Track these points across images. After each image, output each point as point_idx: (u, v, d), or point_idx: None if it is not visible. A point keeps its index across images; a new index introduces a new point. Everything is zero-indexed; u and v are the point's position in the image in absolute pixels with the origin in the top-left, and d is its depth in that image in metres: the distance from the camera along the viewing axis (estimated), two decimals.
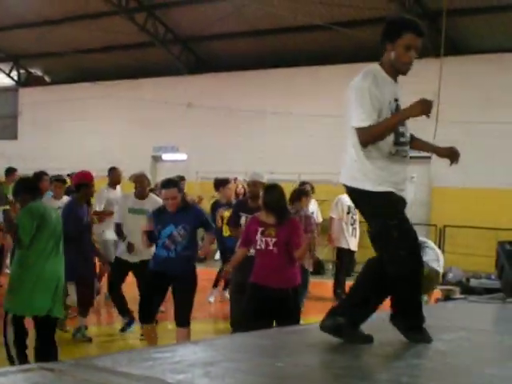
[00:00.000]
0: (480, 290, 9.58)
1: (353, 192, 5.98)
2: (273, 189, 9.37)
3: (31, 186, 8.77)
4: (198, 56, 28.66)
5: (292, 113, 24.74)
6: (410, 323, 5.89)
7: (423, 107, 5.72)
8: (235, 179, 18.85)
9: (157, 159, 29.69)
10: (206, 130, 27.01)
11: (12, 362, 8.26)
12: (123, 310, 12.14)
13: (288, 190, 11.51)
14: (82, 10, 27.25)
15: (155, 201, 11.97)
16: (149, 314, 9.68)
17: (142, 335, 11.32)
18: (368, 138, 5.74)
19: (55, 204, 12.13)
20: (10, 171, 17.80)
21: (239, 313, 9.80)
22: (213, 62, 28.15)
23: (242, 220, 10.43)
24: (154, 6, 27.09)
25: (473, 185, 20.16)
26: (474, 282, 10.61)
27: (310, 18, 23.24)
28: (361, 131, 5.74)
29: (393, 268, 5.75)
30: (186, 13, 26.75)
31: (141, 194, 12.19)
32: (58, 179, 13.75)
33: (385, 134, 5.77)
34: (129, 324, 12.06)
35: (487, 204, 19.93)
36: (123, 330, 12.11)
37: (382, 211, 5.84)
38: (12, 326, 8.39)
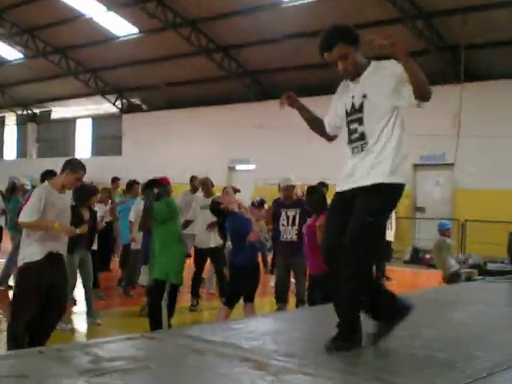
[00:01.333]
0: (495, 272, 9.46)
1: None
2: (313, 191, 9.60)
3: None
4: (264, 86, 28.69)
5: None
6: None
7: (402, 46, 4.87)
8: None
9: (232, 169, 29.82)
10: (271, 146, 27.03)
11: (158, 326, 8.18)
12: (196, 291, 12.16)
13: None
14: (171, 51, 27.56)
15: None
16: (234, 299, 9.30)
17: (192, 306, 11.80)
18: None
19: None
20: (115, 180, 18.06)
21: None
22: (276, 91, 28.12)
23: (283, 215, 10.50)
24: (228, 47, 27.27)
25: (488, 187, 19.91)
26: (490, 266, 10.48)
27: None
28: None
29: None
30: (254, 51, 26.84)
31: (207, 194, 12.55)
32: None
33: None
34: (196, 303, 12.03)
35: (500, 202, 19.65)
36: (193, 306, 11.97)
37: None
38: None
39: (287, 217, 10.40)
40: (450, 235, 12.59)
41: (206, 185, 12.87)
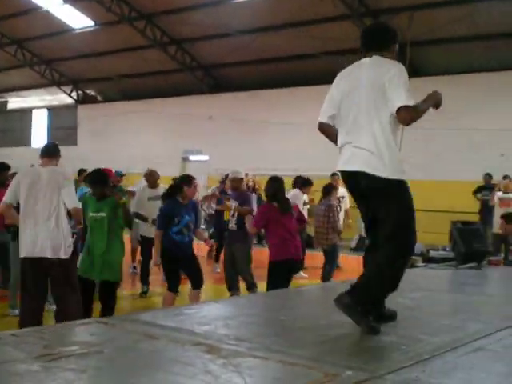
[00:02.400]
0: (438, 259, 9.57)
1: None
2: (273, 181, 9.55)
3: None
4: (217, 79, 28.68)
5: (290, 122, 24.74)
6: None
7: (440, 98, 4.97)
8: (246, 174, 18.81)
9: (185, 160, 29.73)
10: (224, 137, 27.04)
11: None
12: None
13: (287, 182, 11.55)
14: (126, 44, 27.34)
15: (165, 188, 12.04)
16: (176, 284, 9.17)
17: (142, 292, 11.57)
18: (415, 115, 4.67)
19: None
20: (81, 172, 17.24)
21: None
22: (228, 84, 28.16)
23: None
24: (182, 41, 27.16)
25: (430, 178, 20.15)
26: (432, 253, 10.58)
27: (304, 48, 23.27)
28: (407, 109, 4.62)
29: None
30: (207, 45, 26.76)
31: (152, 185, 12.31)
32: None
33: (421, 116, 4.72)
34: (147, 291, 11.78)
35: (441, 193, 19.92)
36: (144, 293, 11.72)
37: None
38: None
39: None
40: None
41: (151, 176, 12.54)
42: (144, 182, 12.78)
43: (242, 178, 10.96)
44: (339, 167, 4.95)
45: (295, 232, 9.22)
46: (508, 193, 15.43)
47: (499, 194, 15.57)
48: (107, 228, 7.74)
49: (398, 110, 4.63)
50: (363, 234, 18.36)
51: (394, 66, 4.86)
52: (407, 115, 4.64)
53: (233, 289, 10.33)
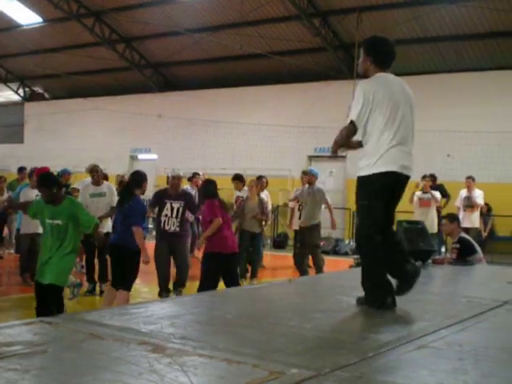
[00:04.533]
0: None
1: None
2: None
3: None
4: (166, 78, 28.57)
5: (239, 122, 24.78)
6: None
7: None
8: (198, 174, 18.74)
9: (134, 158, 29.54)
10: (173, 136, 26.95)
11: None
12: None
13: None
14: (74, 41, 27.10)
15: (109, 185, 11.95)
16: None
17: (87, 291, 11.39)
18: None
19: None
20: (21, 170, 17.02)
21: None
22: (177, 83, 28.08)
23: (167, 206, 10.49)
24: (131, 39, 27.01)
25: None
26: None
27: (253, 48, 23.31)
28: None
29: None
30: (156, 44, 26.69)
31: (97, 182, 11.86)
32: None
33: None
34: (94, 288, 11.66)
35: None
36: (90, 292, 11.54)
37: None
38: None
39: (172, 208, 10.45)
40: None
41: (94, 172, 11.97)
42: (89, 179, 12.44)
43: (181, 177, 11.01)
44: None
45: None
46: (427, 192, 15.81)
47: (418, 193, 15.93)
48: (63, 235, 7.53)
49: None
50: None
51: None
52: None
53: (165, 291, 10.42)
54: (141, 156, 29.31)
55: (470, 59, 21.38)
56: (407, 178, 5.65)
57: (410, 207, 16.77)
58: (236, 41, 23.35)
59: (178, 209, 10.41)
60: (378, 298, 5.51)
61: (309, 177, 13.49)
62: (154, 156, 28.30)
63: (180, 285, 10.49)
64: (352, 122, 5.52)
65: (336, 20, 22.11)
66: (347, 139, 5.63)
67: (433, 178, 17.31)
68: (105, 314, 5.07)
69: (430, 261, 9.26)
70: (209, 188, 9.80)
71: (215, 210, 9.50)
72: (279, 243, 20.99)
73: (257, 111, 24.84)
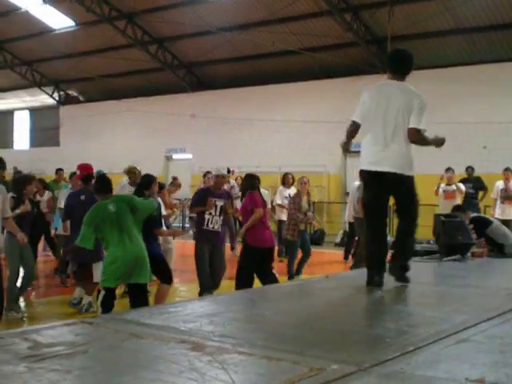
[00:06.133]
0: (422, 253, 9.59)
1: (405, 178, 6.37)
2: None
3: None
4: (199, 77, 28.64)
5: (272, 119, 24.78)
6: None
7: (442, 143, 6.50)
8: (233, 171, 18.82)
9: (168, 158, 29.69)
10: (206, 135, 27.05)
11: None
12: None
13: (271, 179, 11.63)
14: (107, 43, 27.30)
15: None
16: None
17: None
18: (420, 138, 6.28)
19: None
20: (58, 171, 17.04)
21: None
22: (210, 82, 28.14)
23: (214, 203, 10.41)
24: (163, 39, 27.13)
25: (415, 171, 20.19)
26: (417, 247, 10.61)
27: (284, 45, 23.27)
28: (419, 132, 6.20)
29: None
30: (188, 44, 26.77)
31: (134, 183, 11.63)
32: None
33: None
34: None
35: (424, 186, 19.92)
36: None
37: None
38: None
39: (215, 206, 10.33)
40: None
41: (133, 174, 12.08)
42: (126, 180, 12.48)
43: (225, 176, 10.93)
44: None
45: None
46: (451, 185, 15.74)
47: (443, 186, 15.84)
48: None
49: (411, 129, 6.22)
50: (347, 228, 18.45)
51: (418, 93, 6.38)
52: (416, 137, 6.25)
53: (209, 289, 10.23)
54: (175, 156, 29.45)
55: (503, 49, 21.11)
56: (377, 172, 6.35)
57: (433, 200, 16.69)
58: (267, 38, 23.33)
59: (221, 207, 10.33)
60: (367, 275, 6.36)
61: None
62: (188, 156, 28.41)
63: (215, 286, 10.37)
64: (353, 122, 6.46)
65: (368, 14, 22.00)
66: (349, 136, 6.55)
67: (470, 169, 17.18)
68: (144, 314, 5.11)
69: (469, 254, 9.19)
70: (251, 181, 10.11)
71: (257, 201, 9.73)
72: (316, 240, 20.94)
73: (290, 108, 24.80)
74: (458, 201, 15.82)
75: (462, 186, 15.83)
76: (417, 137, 6.25)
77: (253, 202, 9.75)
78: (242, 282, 9.29)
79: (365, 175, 6.57)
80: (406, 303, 5.77)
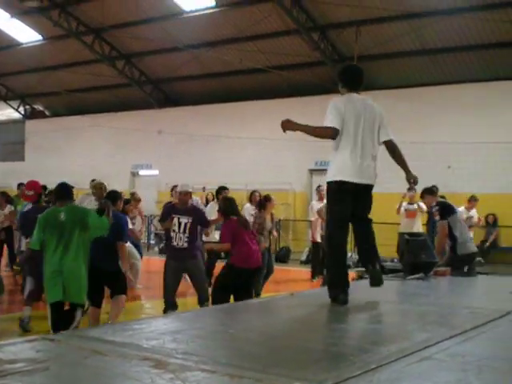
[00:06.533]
0: (386, 271, 9.65)
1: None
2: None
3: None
4: (166, 93, 28.65)
5: (239, 137, 24.82)
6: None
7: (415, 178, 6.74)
8: (204, 188, 18.81)
9: (135, 174, 29.58)
10: (173, 151, 27.03)
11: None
12: None
13: (238, 196, 11.62)
14: (74, 58, 27.23)
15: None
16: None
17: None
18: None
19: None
20: (20, 186, 16.95)
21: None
22: (178, 98, 28.15)
23: (175, 220, 10.31)
24: (131, 55, 27.11)
25: (377, 190, 20.30)
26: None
27: (253, 62, 23.38)
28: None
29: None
30: (155, 60, 26.79)
31: (99, 198, 11.81)
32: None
33: None
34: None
35: (388, 205, 20.04)
36: None
37: None
38: None
39: (179, 223, 10.28)
40: None
41: (99, 189, 12.02)
42: (91, 196, 12.44)
43: (191, 193, 10.87)
44: None
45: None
46: (413, 203, 15.91)
47: (405, 204, 16.02)
48: None
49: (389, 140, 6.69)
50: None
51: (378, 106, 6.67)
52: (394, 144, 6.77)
53: (172, 306, 10.15)
54: (142, 172, 29.36)
55: (469, 70, 21.41)
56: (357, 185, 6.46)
57: (397, 218, 16.81)
58: (235, 56, 23.44)
59: (185, 224, 10.22)
60: (332, 293, 6.34)
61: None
62: (155, 172, 28.34)
63: (204, 301, 10.20)
64: (334, 128, 6.41)
65: (335, 34, 22.20)
66: (315, 135, 6.80)
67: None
68: (107, 330, 5.07)
69: (431, 272, 9.25)
70: (228, 207, 9.96)
71: (228, 234, 9.57)
72: (282, 257, 20.98)
73: (257, 125, 24.88)
74: (420, 219, 15.99)
75: (423, 205, 15.99)
76: (394, 145, 6.66)
77: (224, 234, 9.70)
78: (218, 300, 9.18)
79: (340, 187, 6.45)
80: (369, 321, 5.79)
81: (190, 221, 10.27)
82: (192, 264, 10.30)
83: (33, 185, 10.73)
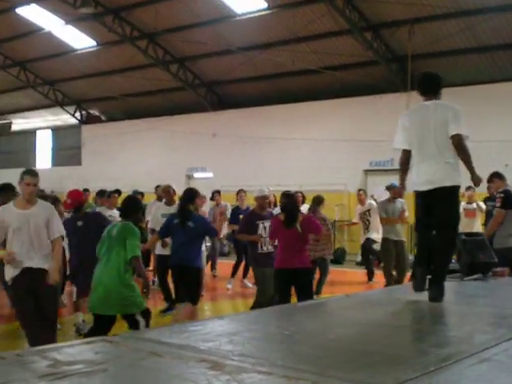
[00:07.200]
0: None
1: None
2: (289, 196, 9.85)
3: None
4: (220, 96, 28.74)
5: (293, 138, 24.79)
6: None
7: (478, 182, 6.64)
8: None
9: (190, 177, 29.74)
10: (227, 154, 27.11)
11: None
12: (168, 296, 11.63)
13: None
14: (128, 63, 27.50)
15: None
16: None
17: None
18: (462, 142, 6.50)
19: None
20: (101, 193, 16.31)
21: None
22: (231, 101, 28.22)
23: (260, 227, 10.22)
24: (184, 59, 27.28)
25: None
26: None
27: (305, 63, 23.34)
28: (460, 136, 6.48)
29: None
30: (209, 63, 26.91)
31: (169, 202, 12.09)
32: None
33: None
34: (170, 308, 11.47)
35: None
36: (164, 311, 11.55)
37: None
38: None
39: (264, 228, 10.21)
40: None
41: (167, 193, 12.28)
42: (155, 202, 12.72)
43: (268, 197, 10.85)
44: None
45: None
46: (472, 203, 15.60)
47: (464, 204, 15.74)
48: None
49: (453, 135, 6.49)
50: None
51: (451, 104, 6.73)
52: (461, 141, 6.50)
53: None
54: (196, 175, 29.50)
55: None
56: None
57: None
58: (288, 57, 23.42)
59: (269, 228, 10.07)
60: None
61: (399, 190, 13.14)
62: (209, 174, 28.45)
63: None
64: (402, 150, 6.90)
65: (388, 33, 22.02)
66: (403, 168, 7.00)
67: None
68: (164, 332, 5.11)
69: (490, 273, 9.10)
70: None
71: (274, 231, 9.54)
72: (337, 258, 20.86)
73: (311, 127, 24.82)
74: (479, 219, 15.70)
75: (482, 205, 15.72)
76: (457, 141, 6.50)
77: (272, 231, 9.70)
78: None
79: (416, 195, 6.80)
80: (426, 323, 5.72)
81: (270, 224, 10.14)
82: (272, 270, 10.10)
83: (76, 195, 10.78)
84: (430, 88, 6.85)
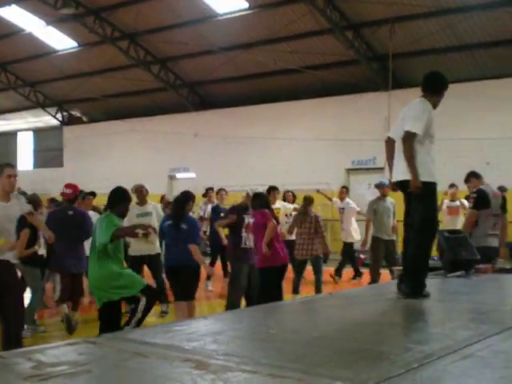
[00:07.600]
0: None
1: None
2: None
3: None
4: (201, 96, 28.74)
5: (275, 138, 24.82)
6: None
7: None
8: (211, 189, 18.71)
9: (172, 178, 29.71)
10: (210, 154, 27.09)
11: None
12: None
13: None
14: (110, 64, 27.43)
15: (154, 205, 12.17)
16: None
17: (162, 312, 11.41)
18: (406, 142, 6.67)
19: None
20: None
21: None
22: (213, 101, 28.22)
23: (246, 221, 10.20)
24: (166, 59, 27.25)
25: None
26: None
27: (286, 63, 23.37)
28: (406, 133, 6.68)
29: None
30: (190, 63, 26.89)
31: (141, 202, 11.97)
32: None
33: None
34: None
35: None
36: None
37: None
38: None
39: (249, 222, 10.23)
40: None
41: (140, 192, 12.09)
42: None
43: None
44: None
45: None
46: (455, 201, 15.68)
47: (447, 201, 15.80)
48: None
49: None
50: None
51: (415, 102, 7.19)
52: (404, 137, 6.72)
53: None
54: (179, 175, 29.47)
55: (506, 65, 21.13)
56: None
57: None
58: (269, 57, 23.45)
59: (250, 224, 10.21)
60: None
61: (386, 188, 13.08)
62: (192, 175, 28.42)
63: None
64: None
65: (369, 32, 22.08)
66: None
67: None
68: (148, 333, 5.10)
69: (473, 270, 9.15)
70: (262, 200, 10.21)
71: (268, 216, 9.87)
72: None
73: (292, 126, 24.86)
74: (462, 217, 15.79)
75: (465, 202, 15.80)
76: (403, 138, 6.73)
77: (264, 217, 9.93)
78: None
79: (433, 187, 6.73)
80: (410, 319, 5.75)
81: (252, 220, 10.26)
82: (254, 266, 10.22)
83: (74, 186, 11.09)
84: (423, 86, 7.58)
